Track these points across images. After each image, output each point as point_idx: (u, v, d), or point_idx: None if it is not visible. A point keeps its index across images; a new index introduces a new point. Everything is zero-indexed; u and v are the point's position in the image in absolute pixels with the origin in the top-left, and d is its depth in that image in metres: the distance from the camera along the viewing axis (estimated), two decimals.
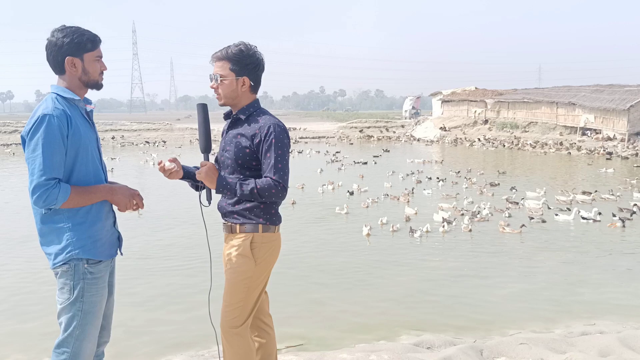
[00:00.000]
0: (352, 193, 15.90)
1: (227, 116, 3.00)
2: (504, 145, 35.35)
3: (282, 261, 8.52)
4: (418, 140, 42.79)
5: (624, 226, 11.44)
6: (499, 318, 6.54)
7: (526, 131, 38.32)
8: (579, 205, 13.52)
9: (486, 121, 42.77)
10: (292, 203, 14.12)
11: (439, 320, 6.47)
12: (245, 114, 2.90)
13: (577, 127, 34.94)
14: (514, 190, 16.25)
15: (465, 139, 39.61)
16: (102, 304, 2.73)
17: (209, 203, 2.93)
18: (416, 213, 12.73)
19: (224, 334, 2.90)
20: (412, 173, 20.22)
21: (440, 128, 43.76)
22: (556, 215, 12.53)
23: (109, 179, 2.86)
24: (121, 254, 2.90)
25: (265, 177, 2.79)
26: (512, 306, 6.99)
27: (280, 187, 2.78)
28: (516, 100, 41.04)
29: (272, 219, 2.92)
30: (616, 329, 5.84)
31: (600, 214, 12.28)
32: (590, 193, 15.25)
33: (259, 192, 2.75)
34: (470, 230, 11.05)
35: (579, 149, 30.97)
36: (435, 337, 5.32)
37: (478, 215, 12.39)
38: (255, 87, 2.94)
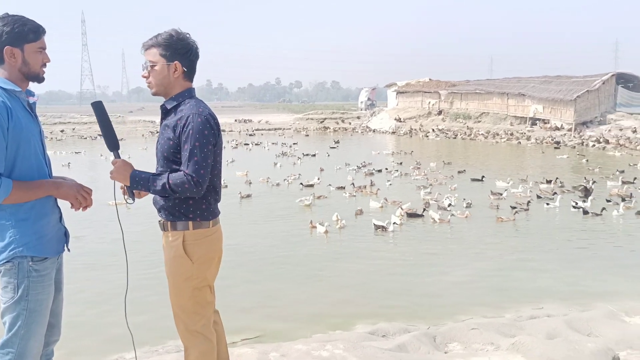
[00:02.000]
0: (312, 186, 15.78)
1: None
2: (456, 136, 36.05)
3: (237, 254, 8.56)
4: (374, 131, 43.22)
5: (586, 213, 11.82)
6: (452, 305, 6.69)
7: (478, 121, 39.17)
8: (565, 194, 13.92)
9: (440, 112, 43.49)
10: (242, 197, 13.80)
11: (394, 308, 6.58)
12: (171, 103, 2.75)
13: (526, 117, 35.93)
14: (483, 179, 16.61)
15: (420, 129, 40.19)
16: (49, 302, 2.64)
17: (133, 200, 2.79)
18: (382, 207, 12.63)
19: (183, 338, 2.79)
20: (364, 165, 20.14)
21: (395, 119, 44.25)
22: (547, 204, 12.83)
23: (68, 174, 2.76)
24: (68, 250, 2.80)
25: (180, 170, 2.63)
26: (464, 293, 7.16)
27: (193, 182, 2.58)
28: (469, 91, 41.88)
29: (204, 214, 2.74)
30: (563, 312, 6.07)
31: (584, 201, 12.67)
32: (550, 181, 15.76)
33: (172, 187, 2.59)
34: (449, 221, 11.04)
35: (528, 138, 31.88)
36: (390, 325, 5.41)
37: (450, 208, 12.26)
38: (189, 75, 2.78)
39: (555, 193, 13.98)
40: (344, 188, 15.38)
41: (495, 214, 11.82)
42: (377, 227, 10.47)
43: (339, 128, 46.25)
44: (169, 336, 4.98)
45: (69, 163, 21.81)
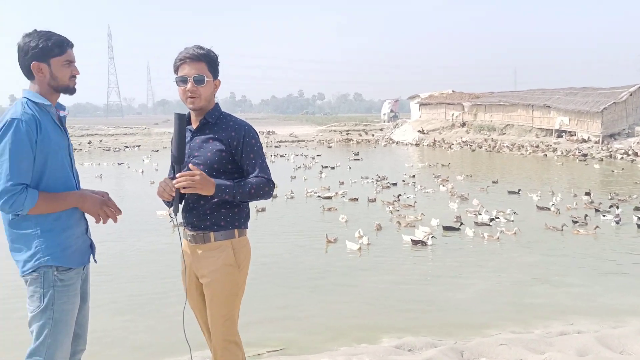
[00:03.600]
0: (330, 198, 15.76)
1: (186, 122, 2.85)
2: (480, 148, 35.73)
3: (262, 266, 8.53)
4: (397, 143, 43.07)
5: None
6: (479, 319, 6.57)
7: (503, 133, 38.77)
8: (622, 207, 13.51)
9: (464, 124, 43.20)
10: (258, 211, 13.44)
11: (420, 322, 6.48)
12: (213, 117, 2.82)
13: (552, 130, 35.44)
14: (520, 192, 16.34)
15: (443, 141, 39.94)
16: (74, 312, 2.64)
17: (176, 214, 2.78)
18: (420, 217, 12.33)
19: (221, 348, 2.79)
20: (381, 179, 19.83)
21: (419, 131, 44.09)
22: (603, 216, 12.58)
23: (99, 186, 2.76)
24: (95, 261, 2.81)
25: (255, 176, 2.76)
26: (492, 307, 7.03)
27: (271, 184, 2.80)
28: (492, 103, 41.51)
29: (246, 222, 2.86)
30: (594, 328, 5.90)
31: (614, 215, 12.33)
32: (589, 193, 15.43)
33: (256, 192, 2.72)
34: (499, 239, 10.59)
35: (554, 150, 31.41)
36: (416, 339, 5.31)
37: (492, 223, 11.78)
38: None
39: (611, 206, 13.56)
40: (357, 199, 15.36)
41: (571, 228, 11.41)
42: (415, 242, 10.23)
43: (362, 140, 46.23)
44: (193, 347, 4.96)
45: (101, 175, 22.20)
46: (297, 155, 31.35)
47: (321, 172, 22.43)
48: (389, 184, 18.67)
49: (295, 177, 21.16)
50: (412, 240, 10.34)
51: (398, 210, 13.77)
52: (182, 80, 2.74)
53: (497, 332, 5.87)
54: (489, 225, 11.74)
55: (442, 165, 25.39)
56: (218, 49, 2.91)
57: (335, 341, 5.70)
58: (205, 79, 2.74)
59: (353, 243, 10.07)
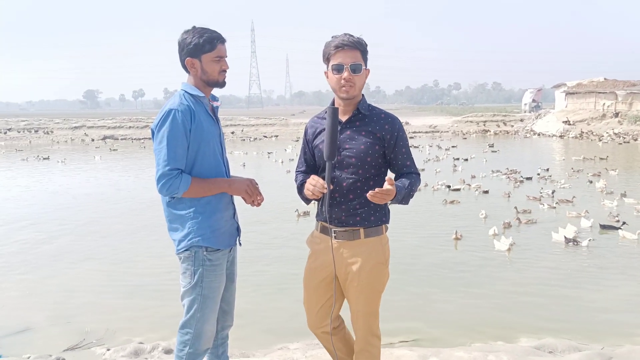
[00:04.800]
0: (458, 190, 15.39)
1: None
2: (636, 140, 32.60)
3: (399, 258, 8.49)
4: (539, 134, 40.67)
5: None
6: (628, 325, 6.03)
7: None
8: None
9: (616, 114, 39.66)
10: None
11: (560, 324, 6.09)
12: (365, 109, 2.70)
13: None
14: None
15: (592, 133, 37.02)
16: (220, 290, 2.83)
17: (327, 211, 2.66)
18: (584, 214, 11.54)
19: (363, 342, 2.76)
20: (512, 172, 18.68)
21: (564, 122, 41.26)
22: None
23: (242, 173, 2.93)
24: (240, 244, 2.99)
25: (409, 172, 2.69)
26: None
27: (420, 179, 2.71)
28: None
29: (389, 217, 2.76)
30: None
31: None
32: None
33: (414, 192, 2.65)
34: None
35: None
36: (558, 341, 5.02)
37: None
38: None
39: None
40: (488, 192, 14.88)
41: None
42: (567, 240, 9.56)
43: (500, 131, 44.28)
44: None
45: (244, 163, 23.33)
46: (431, 146, 30.77)
47: (455, 165, 21.54)
48: (522, 178, 17.56)
49: (424, 169, 20.05)
50: (565, 237, 9.61)
51: (555, 208, 12.86)
52: (337, 69, 2.60)
53: None
54: None
55: (601, 158, 23.22)
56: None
57: (469, 336, 5.54)
58: (362, 67, 2.63)
59: (501, 243, 9.47)
